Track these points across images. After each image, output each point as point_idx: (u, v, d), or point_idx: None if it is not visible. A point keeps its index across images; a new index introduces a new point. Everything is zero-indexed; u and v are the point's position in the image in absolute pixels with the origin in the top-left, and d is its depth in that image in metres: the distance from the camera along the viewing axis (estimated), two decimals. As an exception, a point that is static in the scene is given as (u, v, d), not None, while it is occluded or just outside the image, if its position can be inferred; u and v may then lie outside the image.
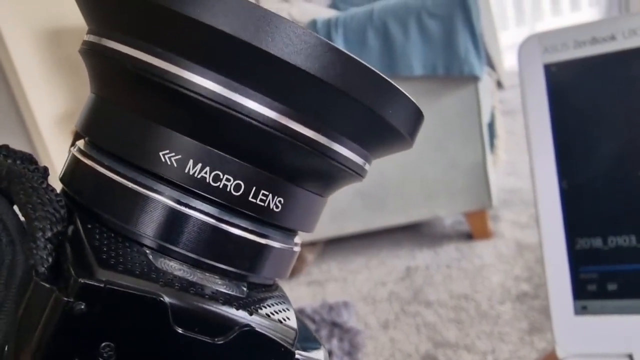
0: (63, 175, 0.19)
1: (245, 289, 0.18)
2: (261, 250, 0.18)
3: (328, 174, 0.19)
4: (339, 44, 1.27)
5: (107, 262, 0.15)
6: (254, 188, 0.17)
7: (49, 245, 0.16)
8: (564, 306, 0.36)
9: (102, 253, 0.16)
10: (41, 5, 1.51)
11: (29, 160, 0.18)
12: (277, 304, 0.19)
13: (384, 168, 1.41)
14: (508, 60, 2.40)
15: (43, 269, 0.15)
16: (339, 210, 1.48)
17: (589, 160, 0.35)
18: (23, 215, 0.16)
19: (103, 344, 0.15)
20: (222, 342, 0.16)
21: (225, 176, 0.17)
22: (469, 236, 1.49)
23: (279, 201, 0.18)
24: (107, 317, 0.15)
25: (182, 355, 0.16)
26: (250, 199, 0.17)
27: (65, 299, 0.14)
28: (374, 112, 0.17)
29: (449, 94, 1.31)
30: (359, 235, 1.56)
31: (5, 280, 0.16)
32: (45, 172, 0.18)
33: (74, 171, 0.19)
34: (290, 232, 0.20)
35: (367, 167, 0.20)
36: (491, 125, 1.48)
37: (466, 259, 1.39)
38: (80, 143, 0.19)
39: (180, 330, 0.15)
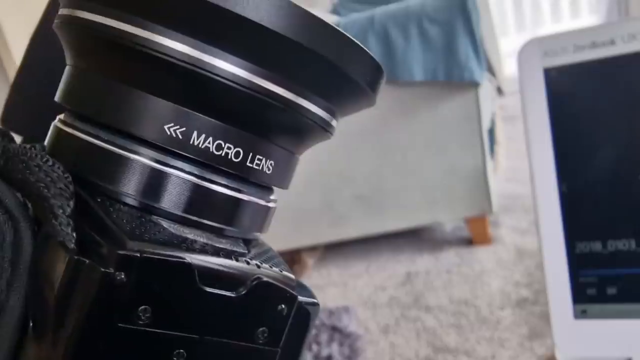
0: (50, 148, 0.19)
1: (243, 245, 0.20)
2: (247, 208, 0.19)
3: (298, 130, 0.19)
4: (340, 49, 1.28)
5: (133, 233, 0.17)
6: (249, 152, 0.18)
7: (71, 222, 0.16)
8: (564, 310, 0.36)
9: (124, 225, 0.17)
10: (43, 4, 1.51)
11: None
12: (272, 257, 0.20)
13: (384, 173, 1.41)
14: (508, 67, 2.41)
15: (72, 245, 0.16)
16: (339, 215, 1.48)
17: (589, 164, 0.35)
18: (34, 195, 0.17)
19: (140, 308, 0.16)
20: (241, 294, 0.18)
21: (226, 144, 0.18)
22: (469, 242, 1.48)
23: (259, 159, 0.19)
24: (143, 283, 0.16)
25: (209, 311, 0.17)
26: (247, 163, 0.18)
27: (106, 270, 0.15)
28: (337, 66, 0.18)
29: (449, 99, 1.32)
30: (359, 240, 1.56)
31: (11, 259, 0.16)
32: (43, 149, 0.18)
33: (65, 144, 0.19)
34: (268, 189, 0.21)
35: (333, 123, 0.20)
36: (491, 131, 1.49)
37: (466, 264, 1.39)
38: (64, 116, 0.19)
39: (206, 289, 0.17)
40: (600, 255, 0.36)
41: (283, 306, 0.19)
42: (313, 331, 1.26)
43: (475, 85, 1.27)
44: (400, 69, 1.27)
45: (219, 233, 0.19)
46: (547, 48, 0.35)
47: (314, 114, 0.19)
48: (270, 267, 0.19)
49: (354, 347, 1.19)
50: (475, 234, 1.45)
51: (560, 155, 0.36)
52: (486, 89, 1.39)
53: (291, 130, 0.19)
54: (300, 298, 0.19)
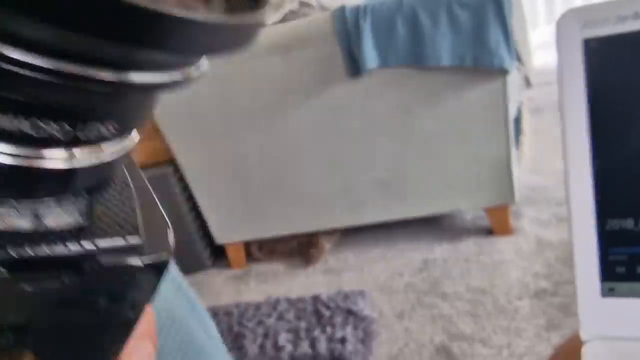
0: None
1: (85, 201, 0.17)
2: (92, 169, 0.16)
3: (146, 93, 0.16)
4: (367, 30, 1.26)
5: None
6: (77, 122, 0.15)
7: None
8: (591, 288, 0.36)
9: None
10: None
11: None
12: (119, 205, 0.18)
13: (406, 158, 1.40)
14: (537, 59, 2.36)
15: None
16: (358, 200, 1.48)
17: (625, 139, 0.35)
18: None
19: None
20: (77, 282, 0.16)
21: (45, 119, 0.14)
22: (489, 231, 1.47)
23: (93, 125, 0.15)
24: None
25: (44, 302, 0.16)
26: (77, 133, 0.15)
27: None
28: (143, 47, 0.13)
29: (476, 86, 1.30)
30: (377, 225, 1.56)
31: None
32: None
33: None
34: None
35: (194, 72, 0.16)
36: (517, 121, 1.47)
37: (485, 253, 1.38)
38: None
39: (27, 288, 0.15)
40: (631, 232, 0.35)
41: (123, 278, 0.17)
42: (327, 313, 1.27)
43: (504, 72, 1.25)
44: (428, 54, 1.26)
45: (57, 198, 0.17)
46: (588, 18, 0.34)
47: (148, 84, 0.14)
48: (113, 234, 0.17)
49: (368, 331, 1.19)
50: (496, 223, 1.44)
51: (595, 129, 0.35)
52: (514, 78, 1.37)
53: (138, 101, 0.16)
54: (145, 262, 0.17)
